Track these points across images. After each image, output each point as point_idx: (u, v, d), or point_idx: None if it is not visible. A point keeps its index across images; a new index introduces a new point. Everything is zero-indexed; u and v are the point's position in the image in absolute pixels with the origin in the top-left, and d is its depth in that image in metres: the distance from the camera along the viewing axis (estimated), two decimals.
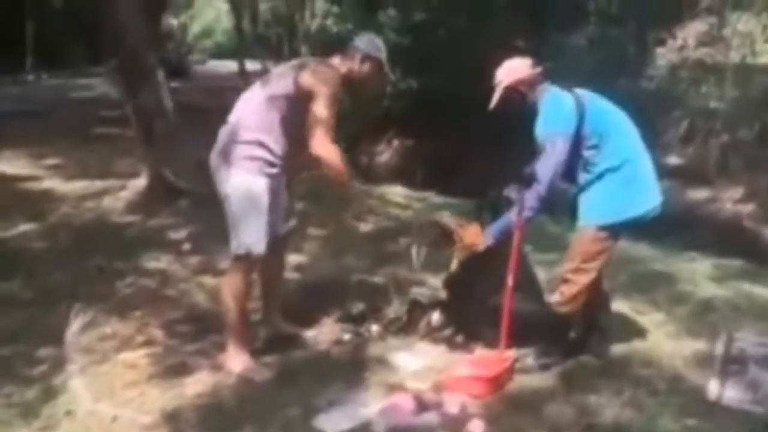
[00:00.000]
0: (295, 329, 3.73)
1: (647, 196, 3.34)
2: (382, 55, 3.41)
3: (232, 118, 3.33)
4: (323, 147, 3.14)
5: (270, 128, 3.23)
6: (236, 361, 3.30)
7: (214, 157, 3.31)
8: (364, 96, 3.32)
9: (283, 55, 19.99)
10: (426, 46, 12.04)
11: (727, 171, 9.00)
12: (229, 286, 3.32)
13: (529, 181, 3.27)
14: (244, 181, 3.20)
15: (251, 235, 3.21)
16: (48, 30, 18.16)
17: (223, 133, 3.31)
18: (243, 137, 3.22)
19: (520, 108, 3.39)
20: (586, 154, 3.29)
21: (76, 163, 7.45)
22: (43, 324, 3.70)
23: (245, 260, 3.27)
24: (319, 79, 3.17)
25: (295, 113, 3.20)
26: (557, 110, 3.29)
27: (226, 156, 3.25)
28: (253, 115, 3.27)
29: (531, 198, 3.27)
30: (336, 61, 3.39)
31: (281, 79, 3.30)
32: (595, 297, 3.47)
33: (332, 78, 3.21)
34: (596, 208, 3.31)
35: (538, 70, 3.42)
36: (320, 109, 3.12)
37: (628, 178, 3.28)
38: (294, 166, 3.41)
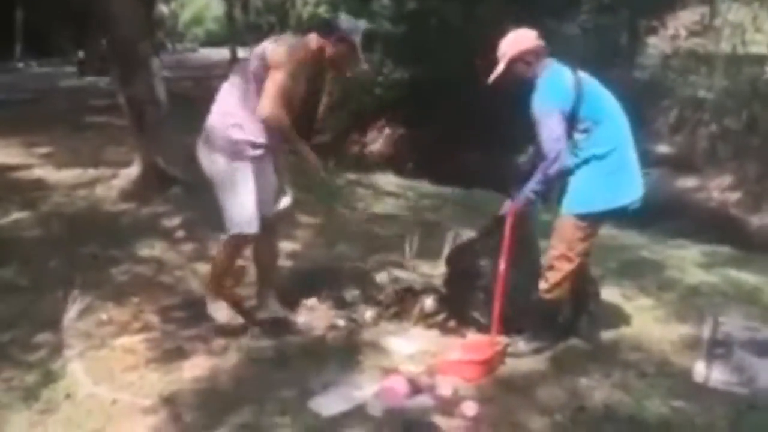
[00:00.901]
0: (288, 313, 3.80)
1: (630, 188, 3.35)
2: (357, 38, 3.44)
3: (215, 106, 3.45)
4: (266, 109, 3.23)
5: (250, 109, 3.31)
6: (220, 312, 3.58)
7: (200, 145, 3.45)
8: (336, 73, 3.44)
9: None
10: (419, 36, 12.04)
11: (715, 160, 9.09)
12: (219, 260, 3.62)
13: (522, 173, 3.31)
14: (229, 165, 3.34)
15: (242, 216, 3.36)
16: (37, 17, 18.02)
17: (208, 121, 3.44)
18: (225, 122, 3.36)
19: (519, 84, 3.35)
20: (577, 137, 3.28)
21: (68, 152, 7.43)
22: (40, 310, 3.73)
23: (237, 239, 3.45)
24: (281, 51, 3.28)
25: (260, 81, 3.28)
26: (556, 86, 3.27)
27: (210, 142, 3.39)
28: (232, 98, 3.39)
29: (538, 174, 3.28)
30: (311, 36, 3.45)
31: (255, 58, 3.39)
32: (582, 282, 3.52)
33: (296, 51, 3.30)
34: (578, 196, 3.31)
35: (542, 42, 3.38)
36: (274, 76, 3.22)
37: (613, 167, 3.28)
38: (278, 143, 3.48)
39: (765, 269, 5.01)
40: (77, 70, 19.38)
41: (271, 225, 3.60)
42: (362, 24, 3.54)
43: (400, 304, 3.89)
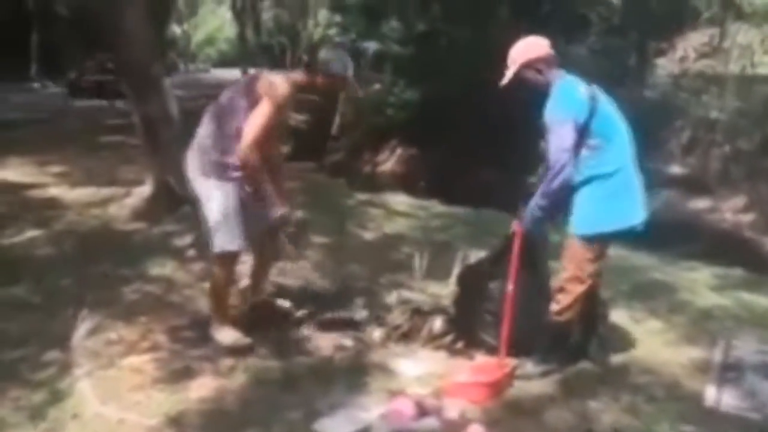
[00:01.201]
0: (282, 303, 3.94)
1: (634, 210, 3.31)
2: (349, 72, 3.56)
3: (200, 130, 3.57)
4: (242, 151, 3.36)
5: (230, 135, 3.43)
6: (224, 335, 3.60)
7: (187, 168, 3.58)
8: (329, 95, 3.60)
9: (286, 64, 20.17)
10: (428, 56, 12.12)
11: (728, 181, 9.04)
12: (213, 280, 3.68)
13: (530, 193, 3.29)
14: (212, 186, 3.47)
15: (224, 236, 3.48)
16: (53, 37, 18.29)
17: (192, 145, 3.58)
18: (207, 146, 3.50)
19: (530, 92, 3.33)
20: (584, 154, 3.23)
21: (82, 171, 7.52)
22: (50, 329, 3.74)
23: (223, 258, 3.54)
24: (265, 90, 3.38)
25: (243, 111, 3.42)
26: (570, 96, 3.24)
27: (195, 166, 3.53)
28: (214, 125, 3.52)
29: (541, 188, 3.25)
30: (297, 74, 3.56)
31: (237, 90, 3.53)
32: (592, 305, 3.50)
33: (280, 90, 3.41)
34: (583, 217, 3.28)
35: (553, 52, 3.36)
36: (255, 116, 3.35)
37: (617, 188, 3.25)
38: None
39: None
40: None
41: (270, 232, 3.70)
42: (350, 64, 3.60)
43: (409, 325, 3.88)
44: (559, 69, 3.37)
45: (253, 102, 3.40)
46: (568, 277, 3.33)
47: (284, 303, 4.04)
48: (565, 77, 3.34)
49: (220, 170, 3.47)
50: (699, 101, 10.29)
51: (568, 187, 3.24)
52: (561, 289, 3.36)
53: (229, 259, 3.58)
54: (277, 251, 3.96)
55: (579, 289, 3.32)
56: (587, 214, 3.28)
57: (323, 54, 3.55)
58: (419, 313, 3.92)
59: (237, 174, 3.47)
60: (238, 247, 3.52)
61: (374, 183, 10.44)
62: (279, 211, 3.55)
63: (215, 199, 3.47)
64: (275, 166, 3.70)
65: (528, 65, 3.32)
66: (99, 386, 3.18)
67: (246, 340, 3.62)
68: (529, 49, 3.35)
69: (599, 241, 3.32)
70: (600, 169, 3.25)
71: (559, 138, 3.17)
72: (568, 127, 3.17)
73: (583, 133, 3.20)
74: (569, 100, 3.23)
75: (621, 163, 3.28)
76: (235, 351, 3.55)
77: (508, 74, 3.35)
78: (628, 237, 3.45)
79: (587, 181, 3.26)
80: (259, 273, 4.00)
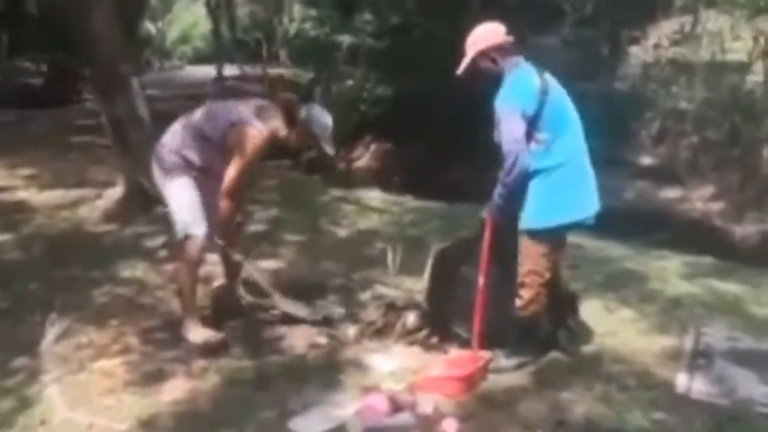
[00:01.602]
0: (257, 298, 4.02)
1: (583, 203, 3.29)
2: (326, 134, 3.70)
3: (166, 137, 3.75)
4: (222, 200, 3.58)
5: (194, 148, 3.66)
6: (195, 333, 3.61)
7: (153, 170, 3.75)
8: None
9: (262, 59, 20.04)
10: (402, 50, 12.09)
11: (698, 170, 9.16)
12: (178, 272, 3.76)
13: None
14: (175, 180, 3.63)
15: (187, 217, 3.59)
16: (23, 37, 17.96)
17: (156, 149, 3.75)
18: (171, 151, 3.67)
19: (487, 80, 3.28)
20: (532, 147, 3.18)
21: (52, 173, 7.41)
22: (19, 334, 3.71)
23: (187, 244, 3.60)
24: (240, 146, 3.56)
25: (216, 144, 3.64)
26: (521, 86, 3.19)
27: (160, 167, 3.70)
28: (180, 137, 3.69)
29: (502, 176, 3.19)
30: (275, 123, 3.65)
31: (213, 120, 3.68)
32: (558, 296, 3.51)
33: (253, 147, 3.56)
34: (529, 211, 3.24)
35: (511, 38, 3.30)
36: (232, 170, 3.56)
37: (564, 182, 3.21)
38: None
39: (747, 279, 5.02)
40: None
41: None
42: (329, 123, 3.72)
43: (383, 321, 3.87)
44: (517, 56, 3.31)
45: (225, 144, 3.60)
46: (526, 271, 3.30)
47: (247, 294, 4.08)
48: (521, 66, 3.29)
49: (181, 168, 3.64)
50: (669, 92, 10.41)
51: (526, 177, 3.19)
52: (522, 284, 3.33)
53: (194, 245, 3.60)
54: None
55: (538, 282, 3.30)
56: (533, 209, 3.24)
57: (305, 112, 3.66)
58: (393, 309, 3.92)
59: (195, 173, 3.67)
60: (201, 232, 3.59)
61: (349, 179, 10.41)
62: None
63: (180, 188, 3.62)
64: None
65: (482, 54, 3.27)
66: (68, 391, 3.15)
67: (218, 336, 3.62)
68: (483, 37, 3.29)
69: (548, 235, 3.28)
70: (545, 162, 3.19)
71: (509, 129, 3.13)
72: (517, 116, 3.13)
73: (532, 126, 3.16)
74: (520, 90, 3.19)
75: (568, 156, 3.23)
76: (208, 349, 3.53)
77: (463, 63, 3.30)
78: (585, 228, 3.44)
79: (533, 175, 3.21)
80: (230, 270, 4.02)
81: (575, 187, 3.27)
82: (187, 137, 3.67)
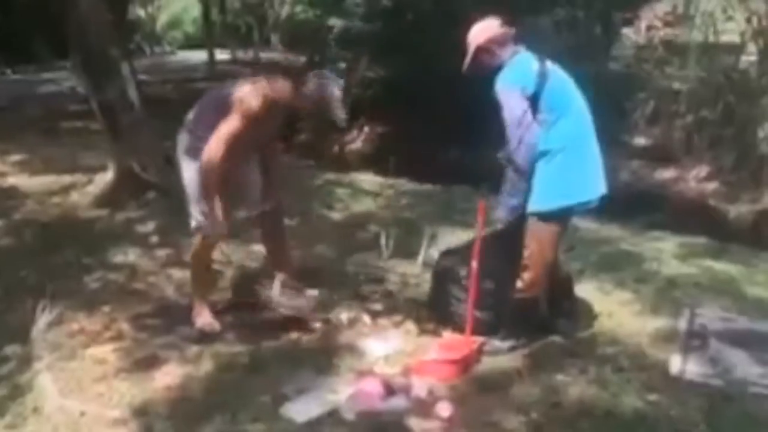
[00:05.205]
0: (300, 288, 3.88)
1: (590, 185, 3.30)
2: (337, 98, 3.51)
3: (189, 116, 3.61)
4: (206, 154, 3.33)
5: (207, 126, 3.42)
6: (200, 318, 3.61)
7: (177, 152, 3.60)
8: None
9: (254, 44, 19.86)
10: (394, 32, 11.97)
11: (692, 150, 9.13)
12: (193, 257, 3.73)
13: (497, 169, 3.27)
14: (194, 167, 3.45)
15: (205, 217, 3.47)
16: (12, 24, 17.74)
17: (181, 130, 3.61)
18: (194, 133, 3.51)
19: (490, 73, 3.30)
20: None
21: (42, 159, 7.33)
22: (10, 321, 3.67)
23: (200, 234, 3.55)
24: (241, 99, 3.38)
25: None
26: (520, 69, 3.24)
27: (181, 149, 3.56)
28: (203, 116, 3.52)
29: (507, 182, 3.26)
30: (285, 88, 3.50)
31: (230, 89, 3.50)
32: (557, 279, 3.50)
33: (253, 103, 3.38)
34: (535, 194, 3.25)
35: (508, 29, 3.34)
36: (226, 123, 3.34)
37: (570, 163, 3.22)
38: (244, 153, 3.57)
39: (741, 259, 5.03)
40: None
41: (268, 218, 3.79)
42: (341, 87, 3.56)
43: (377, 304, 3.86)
44: (516, 45, 3.34)
45: (225, 113, 3.39)
46: (530, 253, 3.31)
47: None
48: (520, 53, 3.32)
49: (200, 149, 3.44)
50: (662, 72, 10.36)
51: (535, 155, 3.21)
52: (525, 267, 3.33)
53: (207, 237, 3.57)
54: (281, 235, 3.98)
55: (541, 263, 3.31)
56: (538, 191, 3.25)
57: (316, 78, 3.53)
58: (387, 292, 3.91)
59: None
60: (223, 230, 3.51)
61: (343, 163, 10.36)
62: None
63: (198, 177, 3.45)
64: (272, 161, 3.84)
65: (482, 49, 3.31)
66: (60, 379, 3.12)
67: (216, 327, 3.61)
68: (482, 31, 3.34)
69: (554, 218, 3.28)
70: (551, 144, 3.21)
71: (509, 109, 3.16)
72: (515, 95, 3.16)
73: (532, 106, 3.18)
74: (518, 72, 3.23)
75: (574, 137, 3.25)
76: (201, 338, 3.51)
77: (466, 60, 3.35)
78: (586, 211, 3.44)
79: (539, 157, 3.23)
80: (274, 253, 3.99)
81: (581, 170, 3.27)
82: (201, 114, 3.55)
